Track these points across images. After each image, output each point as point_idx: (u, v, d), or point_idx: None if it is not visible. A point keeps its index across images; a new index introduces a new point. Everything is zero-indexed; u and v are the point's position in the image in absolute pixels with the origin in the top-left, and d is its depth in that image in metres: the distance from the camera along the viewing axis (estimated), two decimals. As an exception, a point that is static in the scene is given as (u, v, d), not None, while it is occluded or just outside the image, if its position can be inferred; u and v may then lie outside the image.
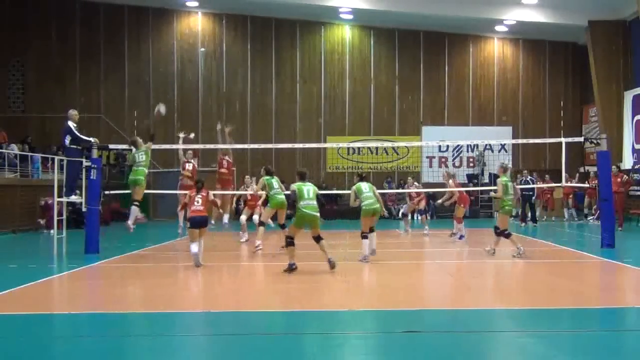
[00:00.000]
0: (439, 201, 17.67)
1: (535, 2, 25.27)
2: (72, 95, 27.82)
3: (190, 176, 15.89)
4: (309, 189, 11.03)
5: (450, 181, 16.92)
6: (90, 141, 14.04)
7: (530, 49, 29.58)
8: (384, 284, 10.24)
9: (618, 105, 25.29)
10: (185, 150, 16.54)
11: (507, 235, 13.03)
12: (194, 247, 11.56)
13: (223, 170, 16.28)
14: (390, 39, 29.38)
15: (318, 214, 10.98)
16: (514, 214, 25.36)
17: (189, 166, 16.34)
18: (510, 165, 14.63)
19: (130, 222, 13.67)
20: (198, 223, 11.70)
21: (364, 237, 12.08)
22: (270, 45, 29.08)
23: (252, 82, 29.16)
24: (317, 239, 11.02)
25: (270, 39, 29.09)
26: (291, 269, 10.66)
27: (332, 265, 10.75)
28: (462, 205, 16.48)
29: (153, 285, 10.09)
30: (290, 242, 10.92)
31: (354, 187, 12.36)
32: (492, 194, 14.32)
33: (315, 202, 11.01)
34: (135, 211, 13.66)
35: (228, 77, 29.12)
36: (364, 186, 12.30)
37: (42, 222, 20.40)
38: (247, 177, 16.85)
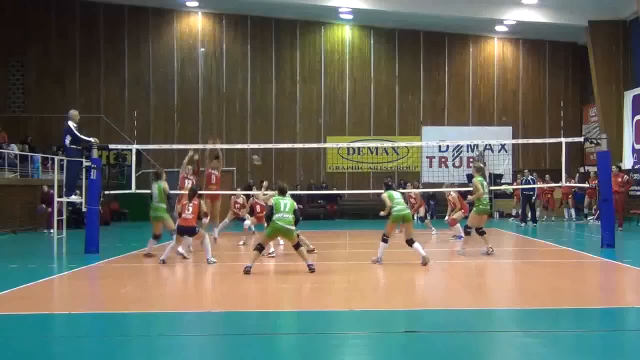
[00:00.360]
0: (446, 218, 17.54)
1: (535, 2, 25.27)
2: (72, 95, 27.84)
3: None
4: (286, 203, 11.15)
5: (453, 193, 16.90)
6: (90, 141, 14.01)
7: (530, 49, 29.59)
8: (384, 284, 10.24)
9: (618, 105, 25.29)
10: (185, 166, 16.14)
11: (467, 233, 13.19)
12: (178, 248, 12.54)
13: (212, 185, 15.54)
14: (390, 39, 29.39)
15: (292, 227, 11.09)
16: (514, 213, 25.51)
17: (188, 183, 15.74)
18: (482, 166, 14.56)
19: (147, 249, 13.47)
20: (184, 231, 12.34)
21: (384, 240, 12.11)
22: (270, 45, 29.09)
23: (252, 82, 29.16)
24: (296, 246, 11.19)
25: (270, 39, 29.10)
26: (246, 270, 10.66)
27: (312, 270, 10.83)
28: (462, 211, 16.48)
29: (153, 285, 10.09)
30: (259, 247, 11.06)
31: (385, 194, 12.35)
32: (469, 197, 14.04)
33: (290, 216, 11.10)
34: (149, 243, 13.48)
35: (228, 77, 29.12)
36: (396, 193, 12.41)
37: (44, 206, 20.30)
38: (263, 186, 16.11)
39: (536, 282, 10.15)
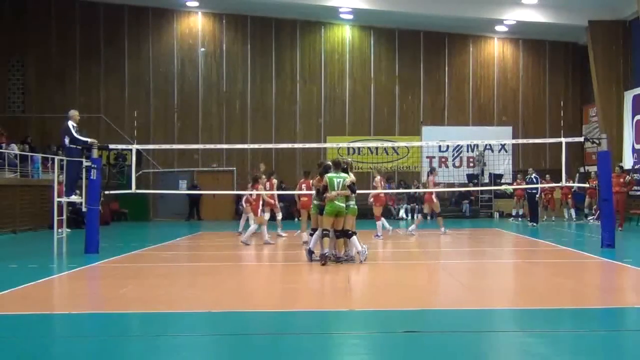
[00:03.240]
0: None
1: (535, 2, 25.27)
2: (72, 95, 27.84)
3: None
4: (339, 182, 11.27)
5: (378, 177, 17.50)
6: (87, 142, 13.96)
7: (530, 49, 29.59)
8: (384, 284, 10.23)
9: (618, 105, 25.30)
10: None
11: (349, 235, 12.00)
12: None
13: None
14: (390, 39, 29.38)
15: (343, 205, 11.30)
16: (514, 213, 25.50)
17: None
18: (341, 160, 13.86)
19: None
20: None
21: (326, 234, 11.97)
22: (270, 45, 29.09)
23: (252, 82, 29.16)
24: (341, 233, 11.37)
25: (270, 39, 29.09)
26: (323, 258, 11.14)
27: (337, 260, 11.19)
28: (377, 205, 17.13)
29: (153, 285, 10.08)
30: (325, 233, 11.32)
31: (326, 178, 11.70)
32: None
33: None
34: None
35: (228, 77, 29.12)
36: (336, 180, 11.87)
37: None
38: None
39: (536, 282, 10.15)
